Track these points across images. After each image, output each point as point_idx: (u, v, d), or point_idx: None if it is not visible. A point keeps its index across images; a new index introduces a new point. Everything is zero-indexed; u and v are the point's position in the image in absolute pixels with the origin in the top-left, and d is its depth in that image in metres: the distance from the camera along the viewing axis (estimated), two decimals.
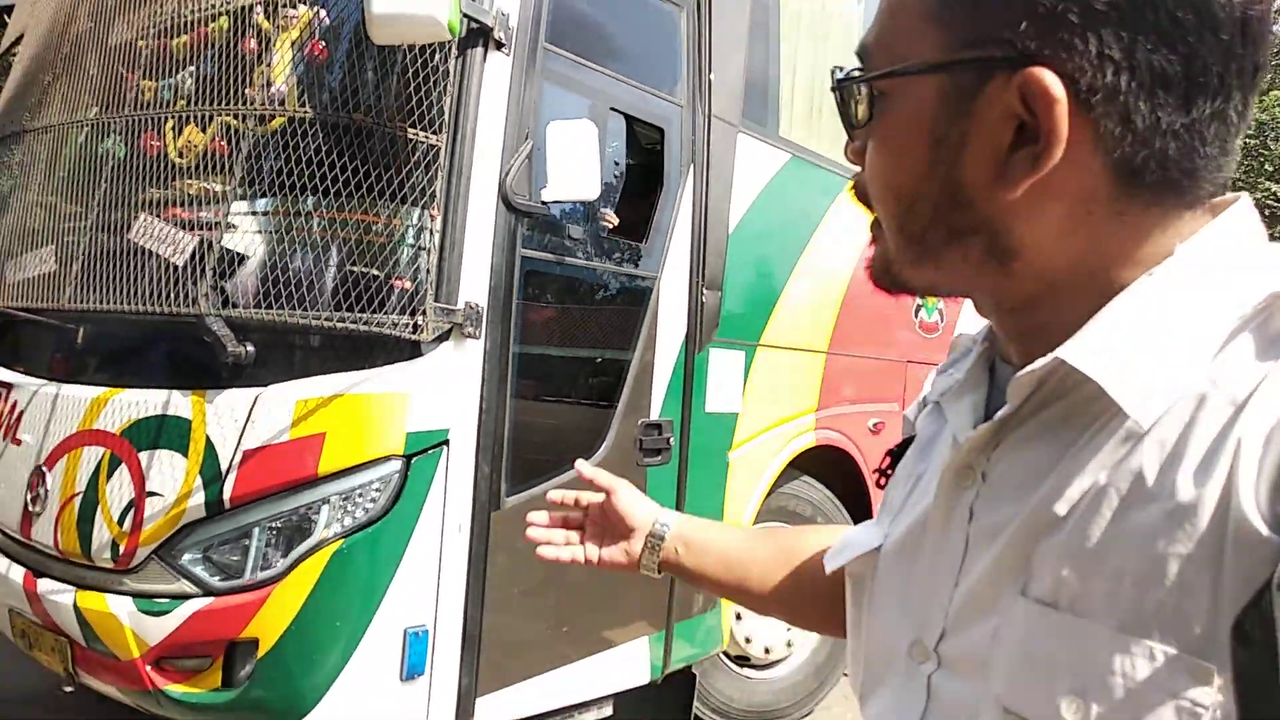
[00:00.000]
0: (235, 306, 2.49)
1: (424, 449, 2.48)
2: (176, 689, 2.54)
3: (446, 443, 2.51)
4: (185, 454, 2.54)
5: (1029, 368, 0.59)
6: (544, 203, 2.66)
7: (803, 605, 1.05)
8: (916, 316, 4.52)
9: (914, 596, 0.69)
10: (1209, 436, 0.52)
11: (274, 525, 2.44)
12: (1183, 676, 0.50)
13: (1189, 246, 0.58)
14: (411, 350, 2.47)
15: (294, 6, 2.73)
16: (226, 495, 2.46)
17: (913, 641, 0.67)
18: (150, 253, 2.72)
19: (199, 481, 2.51)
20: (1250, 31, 0.55)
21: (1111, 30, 0.54)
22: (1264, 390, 0.51)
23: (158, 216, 2.73)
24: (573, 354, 3.06)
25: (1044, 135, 0.56)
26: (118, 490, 2.67)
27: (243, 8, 2.87)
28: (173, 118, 2.88)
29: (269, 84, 2.69)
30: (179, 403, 2.59)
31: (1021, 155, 0.57)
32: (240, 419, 2.47)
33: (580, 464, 1.17)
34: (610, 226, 3.05)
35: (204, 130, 2.81)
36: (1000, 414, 0.63)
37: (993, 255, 0.61)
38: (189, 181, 2.82)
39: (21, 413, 3.11)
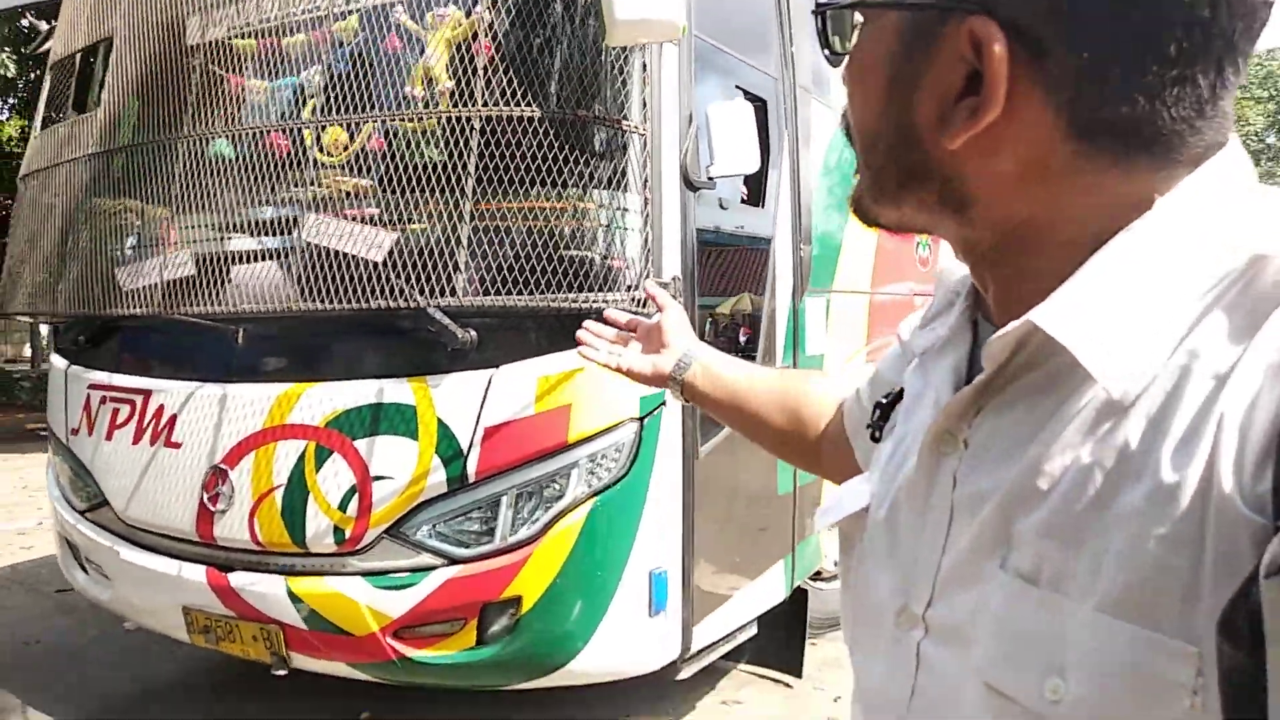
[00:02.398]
0: (454, 295, 2.61)
1: (651, 410, 2.74)
2: (424, 653, 2.75)
3: (664, 403, 2.78)
4: (414, 437, 2.71)
5: (1001, 331, 0.58)
6: (711, 178, 2.92)
7: (784, 445, 1.15)
8: (917, 253, 4.99)
9: (901, 561, 0.67)
10: (1191, 411, 0.50)
11: (524, 492, 2.66)
12: (1161, 658, 0.49)
13: (1168, 200, 0.55)
14: None
15: (444, 5, 2.86)
16: (471, 470, 2.66)
17: (900, 607, 0.66)
18: (323, 249, 2.81)
19: (436, 461, 2.69)
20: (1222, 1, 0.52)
21: None
22: (1245, 363, 0.49)
23: (331, 215, 2.83)
24: (727, 313, 3.37)
25: (985, 86, 0.55)
26: (333, 478, 2.80)
27: (378, 7, 2.96)
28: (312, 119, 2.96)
29: (431, 81, 2.82)
30: (396, 390, 2.74)
31: (964, 105, 0.56)
32: (475, 399, 2.66)
33: (647, 282, 1.32)
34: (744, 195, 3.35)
35: (349, 131, 2.91)
36: (978, 379, 0.61)
37: (947, 202, 0.61)
38: (340, 180, 2.92)
39: (174, 416, 3.15)
